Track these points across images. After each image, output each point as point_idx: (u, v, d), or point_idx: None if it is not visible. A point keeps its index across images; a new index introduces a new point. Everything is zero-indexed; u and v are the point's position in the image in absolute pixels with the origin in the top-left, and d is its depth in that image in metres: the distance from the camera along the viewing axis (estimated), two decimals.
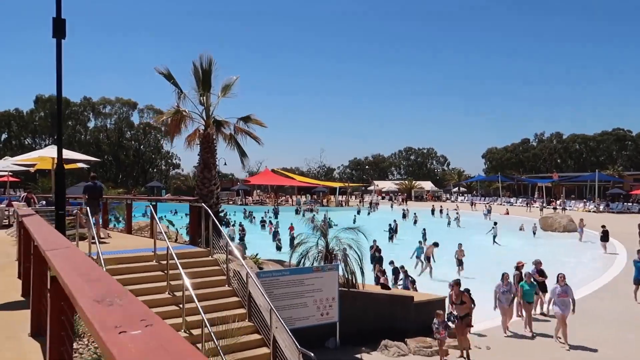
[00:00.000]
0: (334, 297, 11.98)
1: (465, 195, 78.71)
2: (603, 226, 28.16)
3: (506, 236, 32.73)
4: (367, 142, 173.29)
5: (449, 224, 43.31)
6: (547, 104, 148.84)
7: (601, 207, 54.68)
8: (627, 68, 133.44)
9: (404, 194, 77.54)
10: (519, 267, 15.78)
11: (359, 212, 52.54)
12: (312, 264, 12.96)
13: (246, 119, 16.65)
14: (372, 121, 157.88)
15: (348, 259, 12.72)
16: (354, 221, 32.53)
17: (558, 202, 57.96)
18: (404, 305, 13.02)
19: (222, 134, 16.39)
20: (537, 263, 16.14)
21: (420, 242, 23.52)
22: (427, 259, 21.82)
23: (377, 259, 19.46)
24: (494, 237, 31.87)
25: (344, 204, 67.74)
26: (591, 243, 29.94)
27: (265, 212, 48.73)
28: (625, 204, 56.38)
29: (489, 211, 50.82)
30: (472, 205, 64.73)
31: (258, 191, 73.97)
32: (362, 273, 12.81)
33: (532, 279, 14.29)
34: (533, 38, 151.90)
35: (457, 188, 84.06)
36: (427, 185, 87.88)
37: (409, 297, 13.27)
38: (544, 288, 15.26)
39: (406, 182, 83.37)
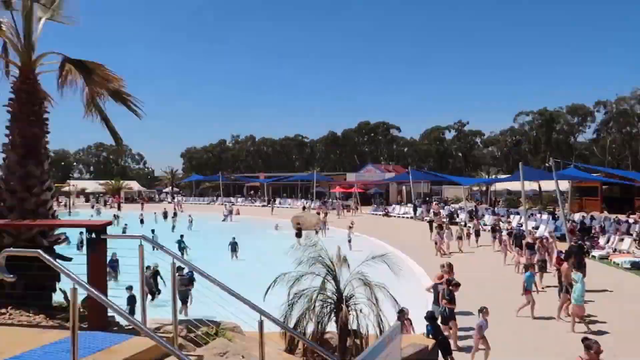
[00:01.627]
0: None
1: (179, 195, 73.52)
2: (298, 224, 32.07)
3: (279, 239, 28.97)
4: None
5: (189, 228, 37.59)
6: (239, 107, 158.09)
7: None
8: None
9: (114, 195, 66.85)
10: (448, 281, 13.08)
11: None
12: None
13: (85, 68, 8.64)
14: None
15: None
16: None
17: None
18: None
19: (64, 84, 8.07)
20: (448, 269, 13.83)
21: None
22: None
23: None
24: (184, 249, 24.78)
25: None
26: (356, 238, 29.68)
27: None
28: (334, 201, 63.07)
29: (231, 212, 48.17)
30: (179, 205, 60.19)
31: None
32: None
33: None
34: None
35: (169, 188, 77.79)
36: (135, 185, 78.53)
37: None
38: None
39: (113, 181, 71.90)
